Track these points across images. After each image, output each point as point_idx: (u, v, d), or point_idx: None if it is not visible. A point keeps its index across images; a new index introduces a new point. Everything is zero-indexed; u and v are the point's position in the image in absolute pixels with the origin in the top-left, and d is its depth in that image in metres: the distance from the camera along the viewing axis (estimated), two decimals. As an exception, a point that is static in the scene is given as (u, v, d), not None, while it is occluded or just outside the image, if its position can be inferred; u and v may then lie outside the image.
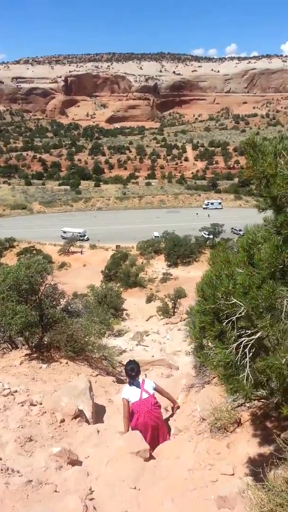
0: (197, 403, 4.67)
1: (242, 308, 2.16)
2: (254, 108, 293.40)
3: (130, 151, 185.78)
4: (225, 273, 2.28)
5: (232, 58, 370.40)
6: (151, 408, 4.66)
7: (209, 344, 2.43)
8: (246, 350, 2.17)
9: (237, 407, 4.16)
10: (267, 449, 3.44)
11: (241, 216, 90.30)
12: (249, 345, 2.17)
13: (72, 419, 4.84)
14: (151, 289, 47.21)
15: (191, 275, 51.45)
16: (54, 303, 7.28)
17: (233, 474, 3.35)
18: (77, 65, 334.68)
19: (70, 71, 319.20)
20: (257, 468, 3.00)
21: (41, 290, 7.02)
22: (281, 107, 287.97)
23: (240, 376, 2.16)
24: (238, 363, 2.18)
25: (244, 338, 2.19)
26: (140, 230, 73.02)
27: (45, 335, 6.88)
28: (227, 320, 2.23)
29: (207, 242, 63.75)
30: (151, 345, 15.90)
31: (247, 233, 2.44)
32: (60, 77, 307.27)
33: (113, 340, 14.98)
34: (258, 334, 2.16)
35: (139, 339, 16.84)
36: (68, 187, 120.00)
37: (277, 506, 1.96)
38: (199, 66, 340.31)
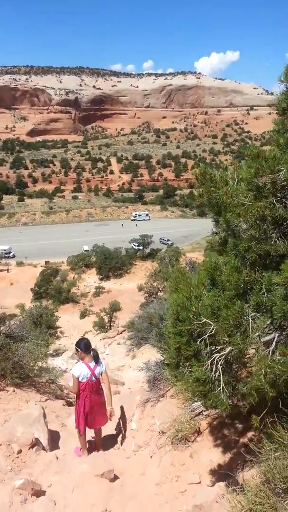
0: (155, 417, 4.80)
1: (212, 326, 2.37)
2: (173, 122, 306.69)
3: (54, 165, 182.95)
4: (194, 295, 2.47)
5: (149, 74, 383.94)
6: (97, 389, 5.05)
7: (182, 363, 2.58)
8: (219, 365, 2.37)
9: (196, 416, 4.38)
10: (228, 455, 3.67)
11: (168, 226, 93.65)
12: (221, 361, 2.37)
13: (29, 449, 4.69)
14: (84, 304, 46.58)
15: (124, 287, 51.79)
16: (-6, 329, 6.96)
17: (199, 483, 3.53)
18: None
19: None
20: (223, 473, 3.20)
21: (-19, 317, 6.70)
22: (198, 122, 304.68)
23: (216, 391, 2.35)
24: (213, 378, 2.37)
25: (215, 355, 2.39)
26: (69, 244, 71.96)
27: (-13, 364, 6.53)
28: (200, 339, 2.41)
29: (137, 254, 64.84)
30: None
31: (209, 257, 2.66)
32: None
33: (51, 360, 14.56)
34: (228, 350, 2.38)
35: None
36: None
37: (256, 505, 2.15)
38: (118, 81, 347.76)
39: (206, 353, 2.41)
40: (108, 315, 32.34)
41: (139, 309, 31.69)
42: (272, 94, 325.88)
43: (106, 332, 29.25)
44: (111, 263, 55.24)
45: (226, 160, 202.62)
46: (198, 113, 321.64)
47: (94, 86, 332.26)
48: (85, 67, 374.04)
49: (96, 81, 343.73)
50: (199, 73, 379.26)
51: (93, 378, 4.99)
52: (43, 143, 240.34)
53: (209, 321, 2.37)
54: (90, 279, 55.49)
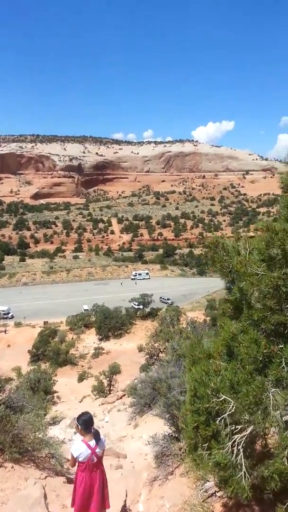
0: (164, 498, 4.44)
1: (232, 404, 2.25)
2: (172, 186, 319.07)
3: (57, 226, 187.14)
4: (212, 369, 2.39)
5: (149, 142, 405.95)
6: (97, 468, 4.76)
7: (200, 444, 2.42)
8: (240, 447, 2.21)
9: (208, 497, 4.04)
10: None
11: (168, 285, 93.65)
12: (241, 442, 2.22)
13: (27, 538, 4.26)
14: (82, 366, 45.18)
15: (124, 347, 50.59)
16: (-7, 397, 6.65)
17: None
18: (1, 145, 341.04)
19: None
20: None
21: (-20, 384, 6.43)
22: (196, 185, 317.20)
23: (237, 477, 2.17)
24: (234, 462, 2.21)
25: (237, 435, 2.24)
26: (69, 304, 71.48)
27: (-16, 436, 6.14)
28: (219, 418, 2.28)
29: (138, 313, 64.17)
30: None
31: (226, 326, 2.61)
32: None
33: (49, 430, 13.79)
34: (249, 429, 2.24)
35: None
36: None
37: None
38: (120, 149, 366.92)
39: (226, 434, 2.27)
40: (108, 378, 31.20)
41: (139, 371, 30.70)
42: (266, 159, 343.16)
43: (105, 397, 28.07)
44: (110, 323, 54.46)
45: (224, 220, 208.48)
46: (196, 177, 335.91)
47: (96, 153, 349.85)
48: (89, 136, 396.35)
49: (99, 148, 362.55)
50: (197, 141, 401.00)
51: (94, 458, 4.70)
52: (46, 205, 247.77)
53: (229, 398, 2.26)
54: (89, 340, 54.38)
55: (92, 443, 4.70)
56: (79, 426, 4.79)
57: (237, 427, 2.28)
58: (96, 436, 4.78)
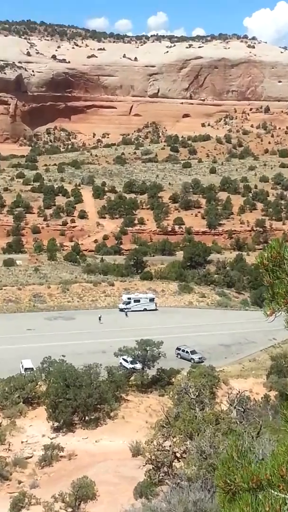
0: None
1: None
2: (203, 125, 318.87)
3: None
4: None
5: (159, 38, 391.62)
6: None
7: None
8: None
9: None
10: None
11: (194, 324, 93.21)
12: None
13: None
14: (20, 482, 45.33)
15: (102, 447, 50.66)
16: None
17: None
18: None
19: None
20: None
21: None
22: (251, 126, 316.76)
23: None
24: None
25: None
26: (-3, 357, 71.83)
27: None
28: None
29: (132, 378, 64.25)
30: None
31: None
32: None
33: None
34: None
35: None
36: None
37: None
38: (100, 49, 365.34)
39: None
40: (71, 510, 31.42)
41: (133, 496, 30.80)
42: None
43: None
44: (77, 398, 54.55)
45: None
46: (251, 109, 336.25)
47: (54, 56, 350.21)
48: (39, 23, 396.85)
49: (59, 47, 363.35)
50: (253, 38, 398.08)
51: None
52: None
53: None
54: (33, 429, 54.59)
55: None
56: None
57: None
58: None
